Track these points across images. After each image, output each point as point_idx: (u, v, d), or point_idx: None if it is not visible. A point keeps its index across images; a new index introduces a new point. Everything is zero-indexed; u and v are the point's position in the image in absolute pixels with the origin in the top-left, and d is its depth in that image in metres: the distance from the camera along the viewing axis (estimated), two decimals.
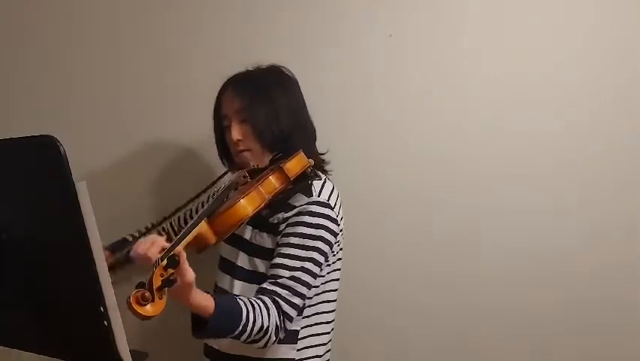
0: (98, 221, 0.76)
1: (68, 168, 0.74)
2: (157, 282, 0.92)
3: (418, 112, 1.56)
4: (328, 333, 1.31)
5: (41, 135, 0.74)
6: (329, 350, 1.34)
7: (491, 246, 1.56)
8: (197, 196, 1.36)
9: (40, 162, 0.77)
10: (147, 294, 0.91)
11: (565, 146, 1.53)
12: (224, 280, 1.29)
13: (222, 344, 1.27)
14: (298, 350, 1.25)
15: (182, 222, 1.54)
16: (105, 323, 0.79)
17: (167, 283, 0.93)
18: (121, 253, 1.42)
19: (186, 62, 1.61)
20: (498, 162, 1.55)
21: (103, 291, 0.78)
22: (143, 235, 1.41)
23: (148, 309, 0.90)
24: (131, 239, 1.44)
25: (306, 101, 1.33)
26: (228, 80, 1.31)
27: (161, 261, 0.95)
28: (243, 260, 1.25)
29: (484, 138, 1.55)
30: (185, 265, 0.97)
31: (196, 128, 1.48)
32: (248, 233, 1.25)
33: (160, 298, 0.92)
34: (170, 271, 0.94)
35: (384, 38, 1.55)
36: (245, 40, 1.59)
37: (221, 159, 1.38)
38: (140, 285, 0.93)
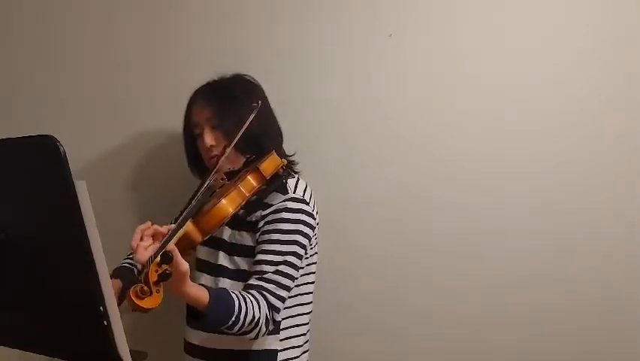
0: (97, 221, 0.76)
1: (68, 168, 0.74)
2: (153, 277, 0.99)
3: (418, 112, 1.56)
4: (307, 324, 1.36)
5: (41, 135, 0.74)
6: (307, 340, 1.38)
7: (491, 246, 1.56)
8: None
9: (40, 162, 0.77)
10: (145, 288, 0.98)
11: (565, 146, 1.53)
12: (203, 280, 1.32)
13: (202, 339, 1.31)
14: (281, 340, 1.30)
15: None
16: (105, 322, 0.79)
17: (164, 276, 0.99)
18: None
19: (186, 62, 1.61)
20: (498, 162, 1.55)
21: (103, 291, 0.78)
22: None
23: (147, 302, 0.98)
24: (128, 265, 1.41)
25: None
26: (196, 91, 1.37)
27: (155, 258, 1.01)
28: (224, 260, 1.29)
29: (484, 138, 1.55)
30: (179, 257, 1.03)
31: None
32: (226, 234, 1.30)
33: (157, 292, 0.99)
34: (165, 266, 1.00)
35: (385, 38, 1.55)
36: (245, 41, 1.59)
37: (192, 169, 1.43)
38: (137, 281, 1.00)
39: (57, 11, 1.64)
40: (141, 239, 1.11)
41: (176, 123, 1.62)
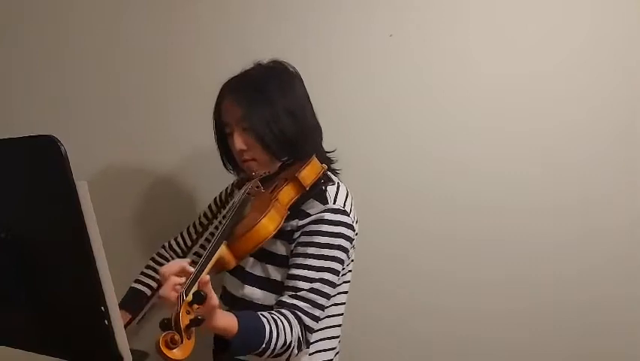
0: (98, 220, 0.76)
1: (69, 168, 0.74)
2: (185, 321, 0.86)
3: (418, 112, 1.56)
4: (338, 337, 1.29)
5: (41, 135, 0.74)
6: (338, 352, 1.32)
7: (491, 246, 1.56)
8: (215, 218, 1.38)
9: (40, 162, 0.77)
10: (177, 337, 0.84)
11: (565, 146, 1.53)
12: (233, 284, 1.26)
13: None
14: (310, 355, 1.23)
15: (192, 236, 1.50)
16: (105, 322, 0.79)
17: (196, 322, 0.86)
18: (141, 313, 1.43)
19: (187, 62, 1.61)
20: (498, 162, 1.55)
21: (103, 290, 0.78)
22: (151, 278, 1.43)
23: (177, 353, 0.84)
24: (141, 288, 1.42)
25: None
26: (225, 85, 1.25)
27: (186, 296, 0.88)
28: (254, 266, 1.21)
29: (484, 137, 1.55)
30: (211, 292, 0.92)
31: (197, 129, 1.48)
32: None
33: (188, 339, 0.86)
34: (196, 306, 0.88)
35: (385, 38, 1.55)
36: (245, 41, 1.59)
37: (224, 163, 1.33)
38: (165, 325, 0.86)
39: (58, 11, 1.64)
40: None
41: (178, 124, 1.62)
